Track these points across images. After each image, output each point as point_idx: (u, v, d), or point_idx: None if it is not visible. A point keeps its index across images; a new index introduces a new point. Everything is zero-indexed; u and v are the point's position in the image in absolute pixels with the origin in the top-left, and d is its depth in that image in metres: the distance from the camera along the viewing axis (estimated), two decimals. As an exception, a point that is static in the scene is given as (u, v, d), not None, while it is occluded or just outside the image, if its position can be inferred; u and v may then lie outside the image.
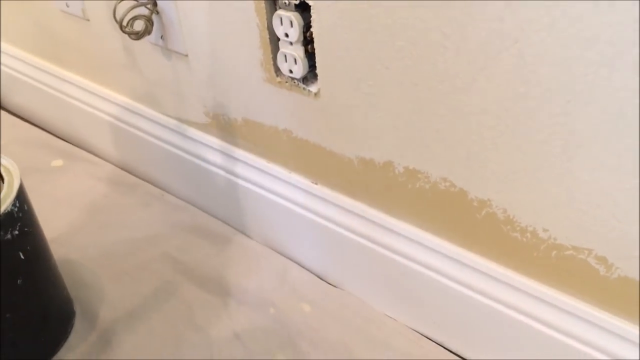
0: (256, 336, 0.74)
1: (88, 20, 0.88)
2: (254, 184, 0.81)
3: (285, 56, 0.65)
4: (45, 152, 1.09)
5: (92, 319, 0.78)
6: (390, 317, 0.76)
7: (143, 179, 1.01)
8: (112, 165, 1.05)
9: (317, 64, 0.64)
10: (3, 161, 0.70)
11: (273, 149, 0.77)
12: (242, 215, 0.87)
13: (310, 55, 0.64)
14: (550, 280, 0.59)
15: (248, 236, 0.89)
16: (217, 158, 0.85)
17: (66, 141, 1.12)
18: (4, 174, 0.68)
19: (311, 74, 0.66)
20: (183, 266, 0.84)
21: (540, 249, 0.57)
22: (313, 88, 0.66)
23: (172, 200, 0.96)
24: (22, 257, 0.66)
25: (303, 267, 0.83)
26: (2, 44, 1.14)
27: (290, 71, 0.66)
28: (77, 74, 1.01)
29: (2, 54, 1.14)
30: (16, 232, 0.65)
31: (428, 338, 0.73)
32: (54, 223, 0.92)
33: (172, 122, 0.89)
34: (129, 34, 0.76)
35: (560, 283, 0.58)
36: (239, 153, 0.81)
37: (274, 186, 0.79)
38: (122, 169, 1.05)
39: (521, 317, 0.62)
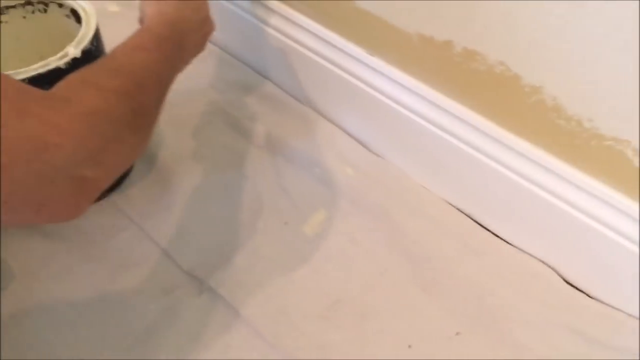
0: (301, 191, 0.80)
1: None
2: (309, 49, 0.85)
3: None
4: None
5: (151, 159, 0.84)
6: (426, 189, 0.82)
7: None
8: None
9: None
10: (81, 2, 0.73)
11: (332, 16, 0.79)
12: (294, 80, 0.91)
13: None
14: (586, 167, 0.64)
15: (299, 100, 0.93)
16: (273, 20, 0.87)
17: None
18: (81, 15, 0.72)
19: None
20: (234, 120, 0.90)
21: (582, 137, 0.61)
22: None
23: (226, 58, 1.00)
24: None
25: (350, 134, 0.88)
26: None
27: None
28: None
29: None
30: (94, 72, 0.70)
31: (461, 212, 0.79)
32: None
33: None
34: None
35: (595, 170, 0.63)
36: (296, 17, 0.84)
37: (329, 54, 0.82)
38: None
39: (555, 200, 0.67)
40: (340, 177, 0.82)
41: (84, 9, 0.72)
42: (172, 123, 0.89)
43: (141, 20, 0.66)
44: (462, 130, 0.72)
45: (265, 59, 0.95)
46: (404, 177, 0.83)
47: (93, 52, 0.69)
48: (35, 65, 0.64)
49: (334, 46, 0.81)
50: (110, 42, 0.99)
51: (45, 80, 0.64)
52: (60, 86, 0.50)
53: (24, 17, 0.77)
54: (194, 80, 0.96)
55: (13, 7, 0.75)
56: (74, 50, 0.66)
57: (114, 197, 0.79)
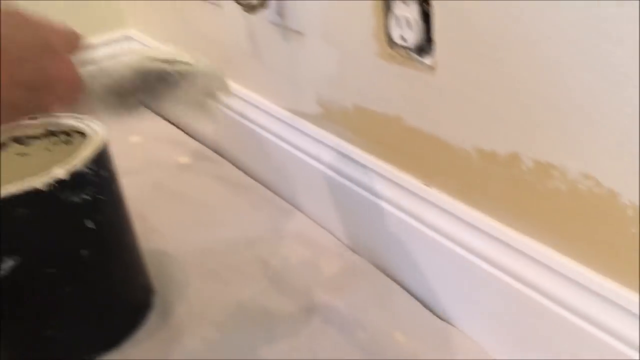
0: (336, 362, 0.61)
1: (220, 7, 0.85)
2: (362, 186, 0.70)
3: (398, 19, 0.54)
4: (175, 149, 1.07)
5: (169, 315, 0.70)
6: (510, 370, 0.58)
7: (258, 181, 0.95)
8: (232, 164, 1.01)
9: (433, 28, 0.51)
10: (92, 124, 0.66)
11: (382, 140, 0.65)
12: (348, 225, 0.76)
13: (427, 19, 0.52)
14: None
15: (353, 250, 0.76)
16: (326, 155, 0.74)
17: (197, 140, 1.10)
18: (92, 137, 0.64)
19: (428, 45, 0.54)
20: (273, 273, 0.74)
21: None
22: (428, 60, 0.54)
23: (281, 205, 0.88)
24: (91, 226, 0.61)
25: (410, 292, 0.68)
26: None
27: (403, 39, 0.55)
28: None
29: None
30: (87, 197, 0.60)
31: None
32: (162, 216, 0.88)
33: (286, 115, 0.81)
34: (244, 5, 0.70)
35: None
36: (349, 149, 0.70)
37: (379, 188, 0.67)
38: (240, 169, 0.99)
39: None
40: (388, 344, 0.61)
41: (95, 132, 0.65)
42: (204, 275, 0.75)
43: None
44: (560, 287, 0.50)
45: (316, 201, 0.81)
46: (478, 351, 0.60)
47: (88, 177, 0.59)
48: (11, 185, 0.56)
49: (385, 178, 0.66)
50: (129, 171, 0.93)
51: (22, 202, 0.55)
52: None
53: (49, 150, 0.71)
54: (242, 230, 0.84)
55: (36, 137, 0.70)
56: (59, 171, 0.57)
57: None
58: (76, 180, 0.58)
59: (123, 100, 0.51)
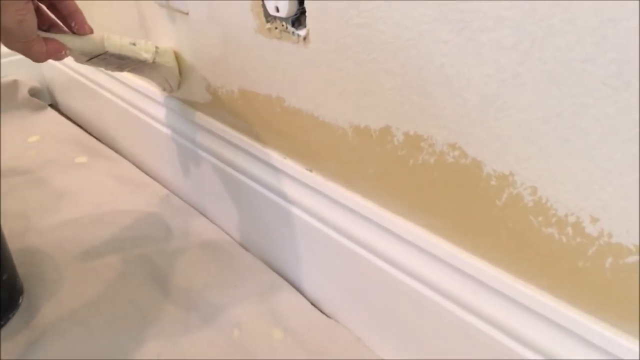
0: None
1: (112, -8, 0.80)
2: (246, 174, 0.66)
3: (271, -9, 0.51)
4: (73, 148, 1.01)
5: (34, 315, 0.64)
6: (391, 365, 0.54)
7: (154, 178, 0.89)
8: (130, 162, 0.95)
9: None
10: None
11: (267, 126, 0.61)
12: (239, 220, 0.71)
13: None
14: (606, 310, 0.36)
15: (242, 245, 0.72)
16: (214, 145, 0.70)
17: (97, 138, 1.04)
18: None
19: (303, 17, 0.51)
20: (159, 272, 0.69)
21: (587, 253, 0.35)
22: (302, 32, 0.51)
23: (175, 202, 0.83)
24: None
25: (298, 288, 0.64)
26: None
27: (277, 9, 0.51)
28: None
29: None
30: None
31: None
32: (50, 214, 0.82)
33: (177, 105, 0.76)
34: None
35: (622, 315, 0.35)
36: (237, 138, 0.66)
37: (267, 178, 0.63)
38: (138, 166, 0.93)
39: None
40: (262, 343, 0.56)
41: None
42: (83, 275, 0.69)
43: None
44: (441, 274, 0.47)
45: (207, 193, 0.76)
46: (360, 347, 0.56)
47: None
48: None
49: (271, 165, 0.62)
50: (78, 191, 0.87)
51: None
52: None
53: None
54: (132, 228, 0.78)
55: None
56: None
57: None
58: None
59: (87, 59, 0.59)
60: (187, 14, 0.65)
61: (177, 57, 0.70)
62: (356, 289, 0.56)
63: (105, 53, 0.59)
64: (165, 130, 0.80)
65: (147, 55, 0.64)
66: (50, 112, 1.16)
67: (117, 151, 1.00)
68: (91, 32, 0.57)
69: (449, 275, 0.46)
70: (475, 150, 0.40)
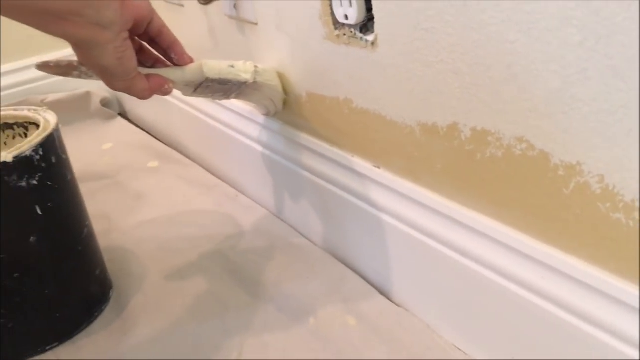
0: (285, 347, 0.60)
1: (182, 6, 0.86)
2: (318, 175, 0.69)
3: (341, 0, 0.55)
4: (145, 154, 1.07)
5: (124, 307, 0.69)
6: (462, 351, 0.57)
7: (223, 180, 0.94)
8: (199, 166, 1.01)
9: (372, 4, 0.52)
10: (46, 114, 0.66)
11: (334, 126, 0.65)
12: (307, 216, 0.75)
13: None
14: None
15: (310, 240, 0.76)
16: (282, 146, 0.74)
17: (165, 144, 1.10)
18: (43, 126, 0.64)
19: (370, 23, 0.54)
20: (234, 266, 0.73)
21: (651, 232, 0.38)
22: (370, 37, 0.54)
23: (244, 201, 0.87)
24: (38, 211, 0.60)
25: (366, 278, 0.67)
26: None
27: (347, 17, 0.55)
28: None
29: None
30: (34, 182, 0.59)
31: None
32: (130, 215, 0.88)
33: (247, 110, 0.81)
34: (199, -1, 0.71)
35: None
36: (305, 138, 0.70)
37: (336, 175, 0.66)
38: (207, 169, 0.99)
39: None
40: (339, 330, 0.60)
41: (47, 121, 0.65)
42: (164, 270, 0.75)
43: None
44: (513, 263, 0.50)
45: (278, 197, 0.81)
46: (430, 334, 0.59)
47: (35, 162, 0.59)
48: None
49: (339, 163, 0.66)
50: (153, 193, 0.93)
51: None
52: None
53: (5, 144, 0.70)
54: (204, 227, 0.83)
55: (-6, 131, 0.70)
56: (4, 155, 0.57)
57: (61, 350, 0.64)
58: (22, 164, 0.58)
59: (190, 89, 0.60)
60: (256, 24, 0.70)
61: (280, 75, 0.69)
62: (425, 278, 0.59)
63: (206, 80, 0.59)
64: (235, 135, 0.84)
65: (246, 76, 0.63)
66: (121, 120, 1.23)
67: (186, 156, 1.05)
68: (191, 61, 0.57)
69: (517, 261, 0.49)
70: (542, 142, 0.42)
